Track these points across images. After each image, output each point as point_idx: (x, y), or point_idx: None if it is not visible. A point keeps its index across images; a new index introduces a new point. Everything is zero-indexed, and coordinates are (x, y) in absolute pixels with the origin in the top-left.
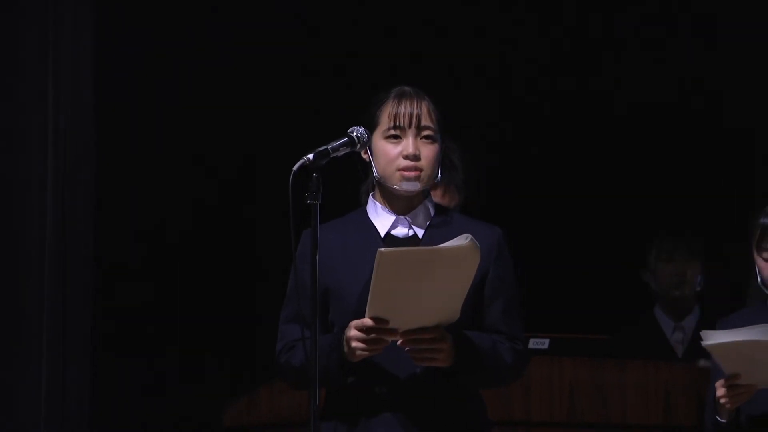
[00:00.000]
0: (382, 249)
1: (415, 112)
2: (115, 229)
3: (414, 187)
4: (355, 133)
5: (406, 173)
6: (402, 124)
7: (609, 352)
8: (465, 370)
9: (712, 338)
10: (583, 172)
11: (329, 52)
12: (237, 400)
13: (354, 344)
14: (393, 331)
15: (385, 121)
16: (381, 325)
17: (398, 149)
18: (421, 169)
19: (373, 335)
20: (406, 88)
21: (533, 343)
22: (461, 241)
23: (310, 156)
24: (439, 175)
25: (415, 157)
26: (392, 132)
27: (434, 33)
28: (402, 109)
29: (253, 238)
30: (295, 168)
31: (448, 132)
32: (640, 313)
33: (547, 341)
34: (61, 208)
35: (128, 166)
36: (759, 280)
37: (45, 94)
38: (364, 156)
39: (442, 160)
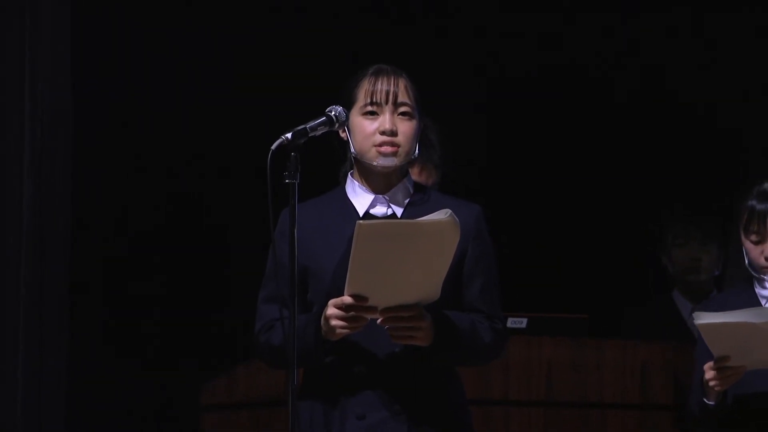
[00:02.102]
0: (361, 221)
1: (392, 88)
2: (91, 216)
3: (391, 162)
4: (333, 112)
5: (382, 149)
6: (379, 101)
7: (590, 332)
8: (444, 349)
9: (705, 318)
10: (572, 151)
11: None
12: (214, 380)
13: (333, 322)
14: (372, 309)
15: (362, 97)
16: (360, 302)
17: (375, 125)
18: (398, 145)
19: (352, 313)
20: (384, 66)
21: (511, 323)
22: (441, 215)
23: (288, 135)
24: (417, 151)
25: (392, 133)
26: (369, 108)
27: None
28: (379, 85)
29: (229, 218)
30: (273, 147)
31: (426, 109)
32: (625, 293)
33: (525, 320)
34: (38, 199)
35: (105, 153)
36: (746, 262)
37: (22, 77)
38: (342, 135)
39: (420, 137)
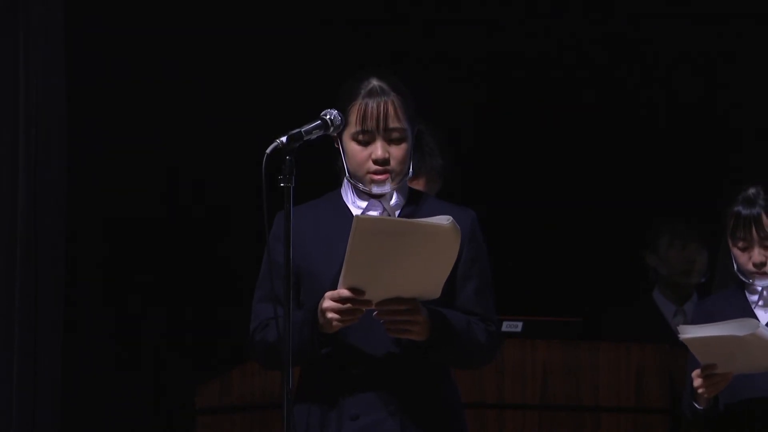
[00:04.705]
0: (359, 215)
1: (382, 113)
2: (85, 219)
3: (385, 189)
4: (328, 116)
5: (376, 177)
6: (370, 128)
7: (584, 335)
8: (439, 345)
9: (689, 332)
10: (565, 156)
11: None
12: (209, 383)
13: (330, 315)
14: (368, 303)
15: (353, 122)
16: (356, 295)
17: (367, 152)
18: (391, 171)
19: (348, 305)
20: (375, 84)
21: (507, 326)
22: (442, 220)
23: (283, 139)
24: (411, 170)
25: (384, 162)
26: (361, 136)
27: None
28: (369, 110)
29: (222, 221)
30: (268, 151)
31: (424, 117)
32: (615, 296)
33: (520, 324)
34: (33, 202)
35: (100, 156)
36: (735, 267)
37: (16, 79)
38: (336, 145)
39: (420, 147)
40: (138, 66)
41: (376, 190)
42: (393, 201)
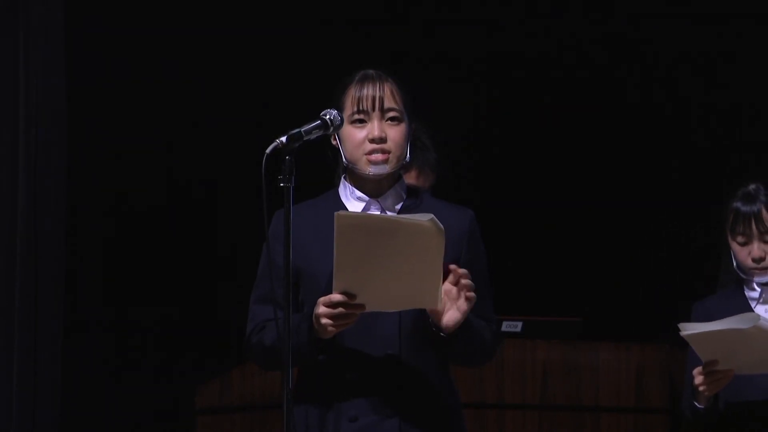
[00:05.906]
0: (340, 212)
1: (378, 94)
2: (85, 218)
3: (382, 170)
4: (328, 116)
5: (373, 157)
6: (366, 108)
7: (582, 335)
8: (461, 338)
9: (690, 329)
10: (566, 153)
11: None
12: (209, 383)
13: (324, 321)
14: (360, 306)
15: (349, 105)
16: (348, 299)
17: (364, 133)
18: (388, 152)
19: (340, 310)
20: (369, 71)
21: (507, 326)
22: (422, 218)
23: (283, 139)
24: (408, 156)
25: (381, 140)
26: (357, 116)
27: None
28: (365, 92)
29: (222, 221)
30: (268, 151)
31: (418, 112)
32: (619, 295)
33: (520, 324)
34: (32, 201)
35: (98, 155)
36: (734, 264)
37: (16, 79)
38: (333, 142)
39: (414, 141)
40: (138, 66)
41: (374, 170)
42: (391, 200)
